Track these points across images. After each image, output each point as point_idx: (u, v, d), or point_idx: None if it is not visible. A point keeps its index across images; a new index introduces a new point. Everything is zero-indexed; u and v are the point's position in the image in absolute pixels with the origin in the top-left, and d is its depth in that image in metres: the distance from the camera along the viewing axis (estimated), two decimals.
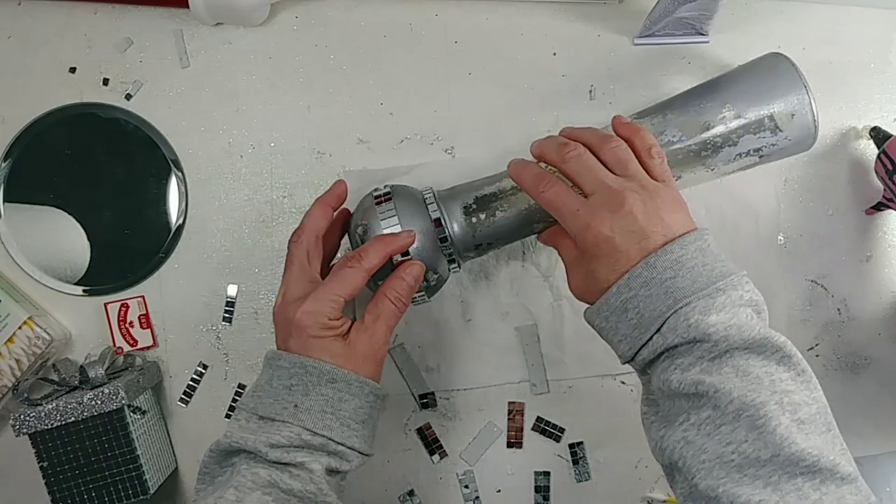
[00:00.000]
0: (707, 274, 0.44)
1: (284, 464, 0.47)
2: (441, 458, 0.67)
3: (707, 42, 0.67)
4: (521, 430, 0.67)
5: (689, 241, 0.46)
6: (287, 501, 0.46)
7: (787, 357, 0.43)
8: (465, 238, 0.56)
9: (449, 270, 0.58)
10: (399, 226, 0.54)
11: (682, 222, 0.48)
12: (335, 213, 0.57)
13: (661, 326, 0.44)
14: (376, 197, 0.56)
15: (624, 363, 0.48)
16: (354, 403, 0.50)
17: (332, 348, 0.50)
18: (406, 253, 0.53)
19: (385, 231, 0.53)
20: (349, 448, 0.50)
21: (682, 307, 0.43)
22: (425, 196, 0.57)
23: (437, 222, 0.55)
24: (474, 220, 0.56)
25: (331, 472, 0.49)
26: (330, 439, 0.48)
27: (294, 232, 0.55)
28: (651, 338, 0.45)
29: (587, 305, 0.50)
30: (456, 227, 0.56)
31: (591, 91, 0.67)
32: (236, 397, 0.67)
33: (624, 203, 0.47)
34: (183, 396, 0.67)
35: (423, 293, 0.56)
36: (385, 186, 0.57)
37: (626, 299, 0.46)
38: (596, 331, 0.50)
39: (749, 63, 0.58)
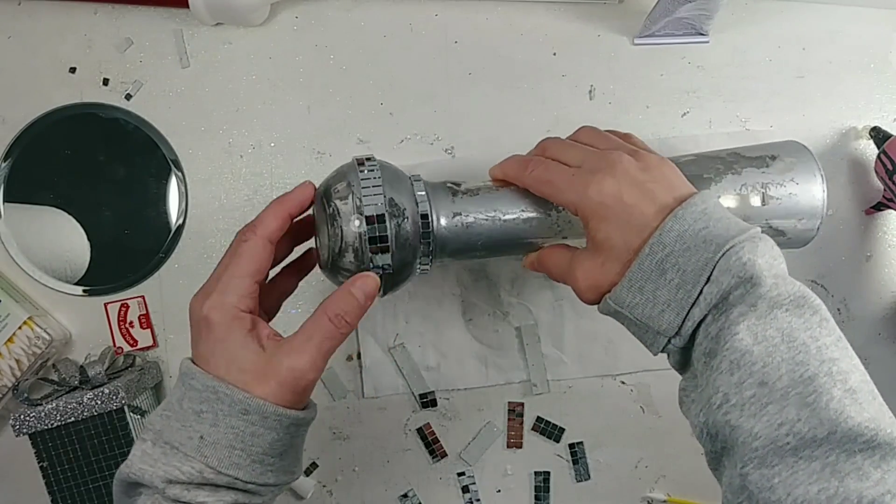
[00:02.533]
0: (735, 225, 0.41)
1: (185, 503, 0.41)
2: (441, 458, 0.67)
3: (707, 42, 0.67)
4: (521, 429, 0.67)
5: (707, 196, 0.43)
6: None
7: (826, 320, 0.39)
8: (449, 234, 0.50)
9: (418, 268, 0.51)
10: (383, 196, 0.46)
11: (682, 179, 0.45)
12: (294, 221, 0.49)
13: (712, 272, 0.40)
14: (358, 159, 0.49)
15: (658, 350, 0.43)
16: (270, 437, 0.42)
17: (244, 360, 0.42)
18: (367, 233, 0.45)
19: (366, 198, 0.46)
20: (261, 485, 0.43)
21: (730, 248, 0.40)
22: (412, 179, 0.51)
23: (423, 213, 0.49)
24: (463, 217, 0.50)
25: None
26: (236, 479, 0.42)
27: (245, 227, 0.47)
28: (701, 291, 0.40)
29: (587, 303, 0.46)
30: (443, 220, 0.50)
31: (590, 91, 0.67)
32: None
33: (619, 160, 0.44)
34: None
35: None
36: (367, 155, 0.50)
37: (662, 259, 0.41)
38: (623, 317, 0.44)
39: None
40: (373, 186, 0.47)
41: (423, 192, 0.50)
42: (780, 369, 0.37)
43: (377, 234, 0.46)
